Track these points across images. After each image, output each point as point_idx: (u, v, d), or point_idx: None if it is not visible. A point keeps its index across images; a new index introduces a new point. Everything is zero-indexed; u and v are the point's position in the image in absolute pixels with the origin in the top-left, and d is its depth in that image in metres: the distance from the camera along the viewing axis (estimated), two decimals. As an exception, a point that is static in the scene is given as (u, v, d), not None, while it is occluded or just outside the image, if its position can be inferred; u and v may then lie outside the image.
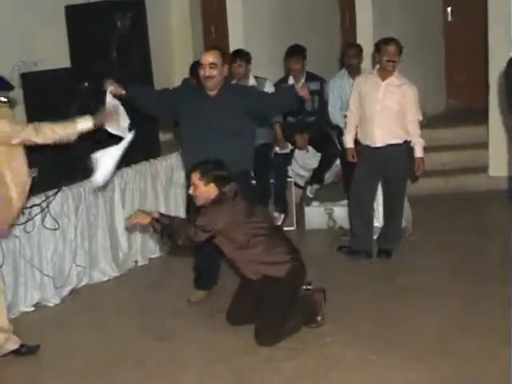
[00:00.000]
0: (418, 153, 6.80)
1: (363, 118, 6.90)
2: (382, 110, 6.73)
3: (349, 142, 7.08)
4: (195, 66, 8.27)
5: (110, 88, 5.96)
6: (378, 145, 6.80)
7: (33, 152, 6.19)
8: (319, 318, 5.66)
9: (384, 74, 6.79)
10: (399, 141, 6.79)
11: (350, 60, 8.07)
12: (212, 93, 5.99)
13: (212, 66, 5.87)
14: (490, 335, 5.21)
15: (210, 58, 5.92)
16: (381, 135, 6.77)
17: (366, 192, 7.01)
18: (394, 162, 6.83)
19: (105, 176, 5.63)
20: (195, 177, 5.53)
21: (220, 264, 6.36)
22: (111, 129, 5.68)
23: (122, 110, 5.84)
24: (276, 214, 8.17)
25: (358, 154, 7.02)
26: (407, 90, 6.76)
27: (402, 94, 6.74)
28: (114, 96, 5.94)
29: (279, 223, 8.17)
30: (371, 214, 7.16)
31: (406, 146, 6.83)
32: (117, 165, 5.69)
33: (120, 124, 5.73)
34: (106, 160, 5.61)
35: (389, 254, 7.03)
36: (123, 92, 6.04)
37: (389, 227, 7.11)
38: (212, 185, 5.49)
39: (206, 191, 5.50)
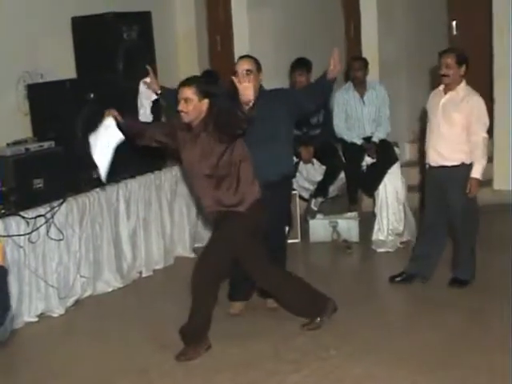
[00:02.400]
0: (474, 172, 6.18)
1: (427, 136, 6.50)
2: (438, 129, 6.30)
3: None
4: (205, 75, 8.36)
5: (146, 79, 6.39)
6: (433, 164, 6.41)
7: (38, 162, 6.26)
8: (318, 320, 5.70)
9: (446, 88, 6.34)
10: (455, 163, 6.26)
11: (355, 73, 8.09)
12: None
13: (248, 72, 5.84)
14: (496, 349, 5.20)
15: (245, 64, 5.90)
16: (434, 156, 6.37)
17: (431, 216, 6.53)
18: (451, 184, 6.30)
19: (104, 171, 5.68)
20: (189, 91, 5.38)
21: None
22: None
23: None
24: None
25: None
26: (466, 104, 6.22)
27: (462, 111, 6.21)
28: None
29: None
30: (442, 239, 6.61)
31: (467, 169, 6.23)
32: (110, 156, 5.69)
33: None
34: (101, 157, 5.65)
35: (461, 283, 6.47)
36: (158, 91, 6.46)
37: (459, 257, 6.59)
38: (206, 101, 5.39)
39: (199, 107, 5.39)
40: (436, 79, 8.74)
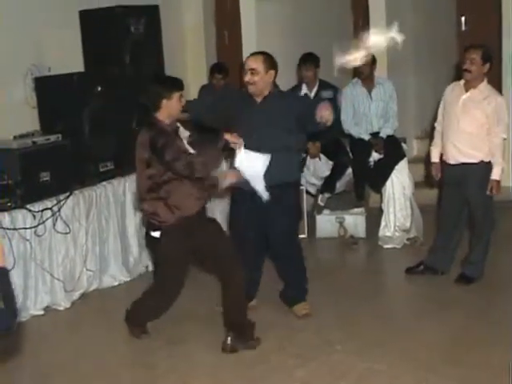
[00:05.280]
0: (494, 174, 6.20)
1: (443, 131, 6.45)
2: (458, 126, 6.25)
3: (433, 157, 6.56)
4: (215, 67, 8.34)
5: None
6: (451, 162, 6.35)
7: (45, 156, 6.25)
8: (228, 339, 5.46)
9: (468, 84, 6.27)
10: (473, 160, 6.23)
11: (361, 68, 8.07)
12: (258, 99, 5.75)
13: (253, 71, 5.63)
14: (501, 347, 5.18)
15: (251, 63, 5.68)
16: (453, 152, 6.31)
17: (449, 211, 6.53)
18: (470, 182, 6.28)
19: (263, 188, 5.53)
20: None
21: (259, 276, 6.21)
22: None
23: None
24: None
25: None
26: (488, 105, 6.16)
27: (483, 110, 6.17)
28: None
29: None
30: (454, 238, 6.61)
31: (485, 166, 6.25)
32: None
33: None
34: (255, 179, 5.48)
35: (467, 280, 6.46)
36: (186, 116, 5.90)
37: (471, 253, 6.54)
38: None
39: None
40: (446, 74, 8.78)
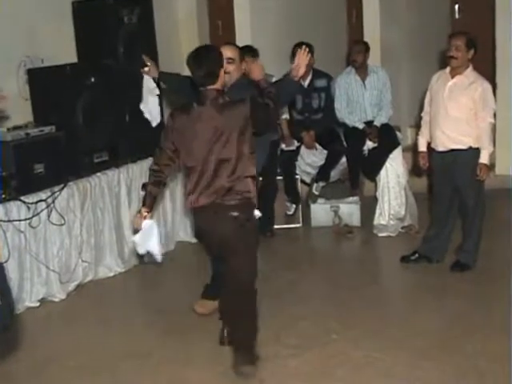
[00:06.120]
0: (482, 158, 6.19)
1: (431, 119, 6.46)
2: (446, 112, 6.27)
3: (421, 146, 6.61)
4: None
5: (145, 69, 6.36)
6: (440, 149, 6.36)
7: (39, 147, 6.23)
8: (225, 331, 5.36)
9: (453, 71, 6.31)
10: (462, 146, 6.25)
11: (354, 56, 8.08)
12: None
13: (229, 60, 5.62)
14: (497, 334, 5.20)
15: (228, 52, 5.63)
16: (442, 139, 6.33)
17: (441, 199, 6.55)
18: (460, 169, 6.30)
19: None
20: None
21: None
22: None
23: None
24: (288, 204, 8.24)
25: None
26: (475, 90, 6.18)
27: (469, 96, 6.19)
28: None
29: (291, 213, 8.31)
30: (447, 226, 6.61)
31: (474, 152, 6.25)
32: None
33: None
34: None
35: (462, 267, 6.48)
36: (156, 76, 6.41)
37: (465, 240, 6.54)
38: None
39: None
40: (439, 63, 8.76)
